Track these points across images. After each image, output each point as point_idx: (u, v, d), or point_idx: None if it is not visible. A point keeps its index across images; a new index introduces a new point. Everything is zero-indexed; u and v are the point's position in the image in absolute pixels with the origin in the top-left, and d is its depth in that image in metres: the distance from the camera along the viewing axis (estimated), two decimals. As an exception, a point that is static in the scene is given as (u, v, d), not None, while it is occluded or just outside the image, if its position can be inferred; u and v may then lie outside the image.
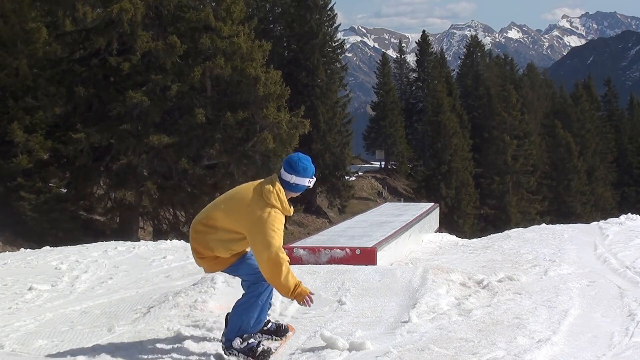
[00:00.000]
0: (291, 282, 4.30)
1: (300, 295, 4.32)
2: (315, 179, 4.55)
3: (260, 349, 4.53)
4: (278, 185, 4.38)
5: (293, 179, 4.42)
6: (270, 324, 4.85)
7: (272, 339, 4.82)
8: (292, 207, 4.45)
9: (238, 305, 4.55)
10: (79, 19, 22.41)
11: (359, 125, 54.18)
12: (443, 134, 45.65)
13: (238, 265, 4.54)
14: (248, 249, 4.53)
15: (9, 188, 20.76)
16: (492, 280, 6.18)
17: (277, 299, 5.73)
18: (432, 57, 59.50)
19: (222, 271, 4.63)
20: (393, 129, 52.07)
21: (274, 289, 4.48)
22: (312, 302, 4.38)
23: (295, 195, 4.51)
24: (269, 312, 4.89)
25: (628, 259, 7.09)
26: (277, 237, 4.24)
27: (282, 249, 4.26)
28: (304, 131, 22.67)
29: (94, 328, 5.42)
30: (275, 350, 4.70)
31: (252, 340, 4.56)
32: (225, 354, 4.54)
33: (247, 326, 4.51)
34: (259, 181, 4.50)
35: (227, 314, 4.65)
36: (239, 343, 4.50)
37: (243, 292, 4.64)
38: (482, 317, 5.08)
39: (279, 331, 4.85)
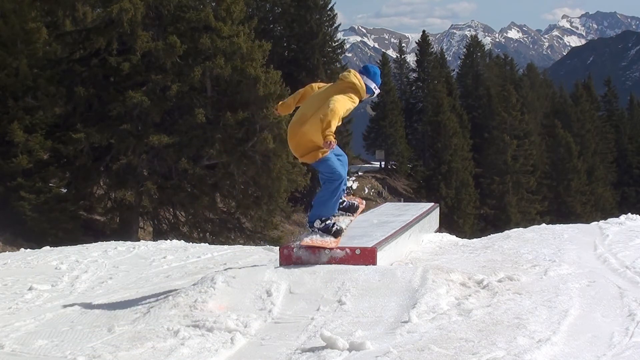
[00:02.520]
0: (331, 130, 5.50)
1: (328, 138, 5.47)
2: (379, 91, 5.91)
3: (334, 228, 6.09)
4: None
5: (364, 79, 5.70)
6: (345, 202, 6.39)
7: (346, 215, 6.39)
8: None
9: (317, 198, 6.08)
10: (79, 19, 22.45)
11: (359, 125, 54.16)
12: (443, 134, 45.65)
13: (322, 161, 5.88)
14: (330, 153, 5.82)
15: (9, 188, 20.76)
16: (492, 280, 6.17)
17: (277, 298, 5.74)
18: (432, 57, 59.50)
19: (311, 164, 6.01)
20: (393, 129, 52.07)
21: (344, 183, 6.03)
22: (333, 147, 5.59)
23: (364, 96, 5.81)
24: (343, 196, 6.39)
25: (628, 259, 7.08)
26: (340, 108, 5.52)
27: (339, 118, 5.53)
28: (304, 131, 22.65)
29: (94, 328, 5.42)
30: (346, 227, 6.28)
31: (328, 221, 6.09)
32: (310, 228, 6.13)
33: (325, 213, 6.07)
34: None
35: (313, 200, 6.19)
36: (319, 223, 6.08)
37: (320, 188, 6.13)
38: (482, 317, 5.08)
39: (352, 208, 6.47)
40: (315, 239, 6.01)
